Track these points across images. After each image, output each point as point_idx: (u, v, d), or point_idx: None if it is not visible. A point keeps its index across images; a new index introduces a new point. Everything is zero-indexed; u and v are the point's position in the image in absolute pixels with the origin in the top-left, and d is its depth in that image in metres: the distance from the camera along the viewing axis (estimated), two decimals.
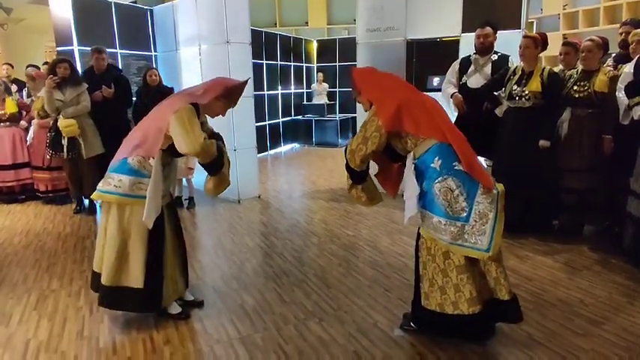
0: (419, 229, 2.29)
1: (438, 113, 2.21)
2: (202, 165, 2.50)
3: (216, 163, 2.50)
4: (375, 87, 2.28)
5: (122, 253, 2.46)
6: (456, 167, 2.09)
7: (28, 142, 5.24)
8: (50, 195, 5.39)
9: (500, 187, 2.10)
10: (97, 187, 2.47)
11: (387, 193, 2.52)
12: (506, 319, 2.28)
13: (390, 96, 2.18)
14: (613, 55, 4.12)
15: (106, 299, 2.54)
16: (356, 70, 2.39)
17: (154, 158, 2.39)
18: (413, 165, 2.17)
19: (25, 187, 5.55)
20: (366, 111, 2.32)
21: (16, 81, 6.49)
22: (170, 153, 2.46)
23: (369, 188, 2.39)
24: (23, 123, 5.46)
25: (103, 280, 2.48)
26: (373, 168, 2.40)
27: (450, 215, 2.08)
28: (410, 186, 2.18)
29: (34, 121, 5.23)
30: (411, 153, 2.18)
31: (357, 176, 2.32)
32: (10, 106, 5.40)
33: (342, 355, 2.30)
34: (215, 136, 2.66)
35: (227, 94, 2.56)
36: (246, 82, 2.76)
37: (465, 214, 2.07)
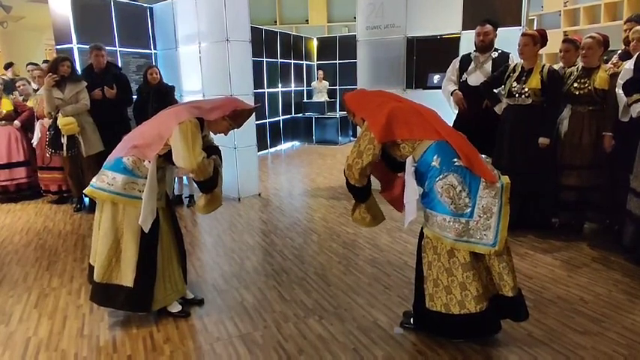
0: (422, 229, 2.29)
1: (432, 117, 2.23)
2: (196, 182, 2.50)
3: (211, 183, 2.50)
4: (366, 105, 2.32)
5: (115, 250, 2.47)
6: (456, 163, 2.09)
7: (35, 143, 5.18)
8: (65, 195, 5.37)
9: (505, 179, 2.10)
10: (91, 183, 2.48)
11: (396, 209, 2.49)
12: (510, 316, 2.28)
13: (380, 109, 2.21)
14: (618, 52, 4.10)
15: (97, 295, 2.56)
16: (347, 95, 2.43)
17: (149, 161, 2.39)
18: (413, 168, 2.18)
19: (20, 187, 5.52)
20: None
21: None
22: (166, 159, 2.45)
23: (372, 207, 2.39)
24: (17, 123, 5.41)
25: (95, 277, 2.50)
26: (376, 185, 2.39)
27: (454, 212, 2.08)
28: (410, 190, 2.18)
29: (44, 121, 5.08)
30: (410, 157, 2.18)
31: (360, 193, 2.32)
32: (6, 105, 5.38)
33: (342, 352, 2.30)
34: (214, 150, 2.65)
35: (234, 116, 2.56)
36: (255, 108, 2.79)
37: (468, 210, 2.08)
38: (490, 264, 2.17)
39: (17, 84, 5.70)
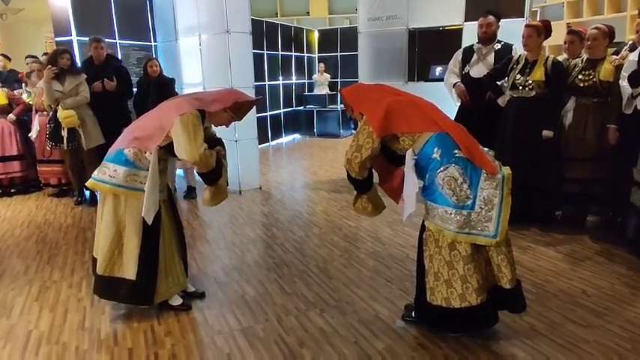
0: (423, 222, 2.27)
1: (431, 109, 2.22)
2: (199, 174, 2.49)
3: (214, 174, 2.49)
4: (364, 99, 2.31)
5: (117, 243, 2.46)
6: (456, 155, 2.08)
7: (33, 136, 5.13)
8: (65, 188, 5.35)
9: (507, 170, 2.09)
10: (92, 175, 2.47)
11: (393, 200, 2.48)
12: (508, 307, 2.27)
13: (378, 103, 2.19)
14: (629, 43, 4.05)
15: (99, 288, 2.56)
16: (344, 90, 2.41)
17: (150, 153, 2.38)
18: (414, 161, 2.16)
19: (14, 181, 5.47)
20: None
21: (12, 72, 6.44)
22: (167, 151, 2.44)
23: (374, 197, 2.39)
24: (11, 116, 5.37)
25: (98, 270, 2.50)
26: (375, 177, 2.38)
27: (456, 204, 2.07)
28: (410, 183, 2.17)
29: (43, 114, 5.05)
30: (410, 150, 2.17)
31: (361, 185, 2.32)
32: (0, 98, 5.34)
33: (344, 345, 2.30)
34: (216, 141, 2.64)
35: (235, 108, 2.54)
36: (257, 100, 2.78)
37: (469, 202, 2.06)
38: (490, 255, 2.17)
39: (20, 75, 5.65)
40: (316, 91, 9.98)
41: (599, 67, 3.57)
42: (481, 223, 2.06)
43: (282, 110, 9.40)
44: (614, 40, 3.86)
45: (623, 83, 3.39)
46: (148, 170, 2.37)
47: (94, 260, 2.59)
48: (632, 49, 3.84)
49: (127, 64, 5.61)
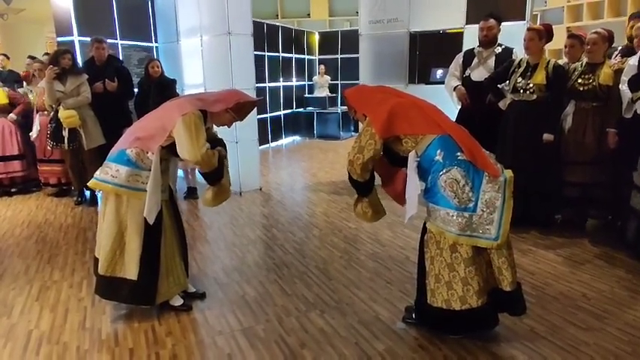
0: (424, 224, 2.28)
1: (434, 111, 2.23)
2: (202, 174, 2.51)
3: (216, 174, 2.51)
4: (367, 101, 2.32)
5: (119, 243, 2.47)
6: (459, 157, 2.09)
7: (34, 136, 5.11)
8: (64, 188, 5.34)
9: (509, 173, 2.10)
10: (95, 175, 2.49)
11: (399, 203, 2.48)
12: (508, 310, 2.28)
13: (381, 105, 2.20)
14: (619, 48, 4.07)
15: (101, 288, 2.57)
16: (347, 91, 2.43)
17: (152, 153, 2.39)
18: (416, 162, 2.17)
19: (15, 180, 5.45)
20: None
21: (11, 72, 6.45)
22: (169, 151, 2.45)
23: (374, 202, 2.39)
24: (12, 116, 5.37)
25: (99, 270, 2.51)
26: (378, 179, 2.38)
27: (458, 206, 2.08)
28: (412, 184, 2.18)
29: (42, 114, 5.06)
30: (413, 152, 2.18)
31: (363, 187, 2.33)
32: (1, 98, 5.34)
33: (344, 346, 2.30)
34: (218, 142, 2.65)
35: (237, 109, 2.55)
36: (258, 100, 2.81)
37: (471, 205, 2.07)
38: (491, 258, 2.17)
39: (25, 74, 5.64)
40: (316, 93, 9.99)
41: (598, 71, 3.58)
42: (483, 225, 2.07)
43: (282, 112, 9.41)
44: (613, 45, 3.88)
45: (623, 87, 3.40)
46: (150, 170, 2.38)
47: (96, 260, 2.60)
48: (624, 53, 3.86)
49: (128, 65, 5.61)
